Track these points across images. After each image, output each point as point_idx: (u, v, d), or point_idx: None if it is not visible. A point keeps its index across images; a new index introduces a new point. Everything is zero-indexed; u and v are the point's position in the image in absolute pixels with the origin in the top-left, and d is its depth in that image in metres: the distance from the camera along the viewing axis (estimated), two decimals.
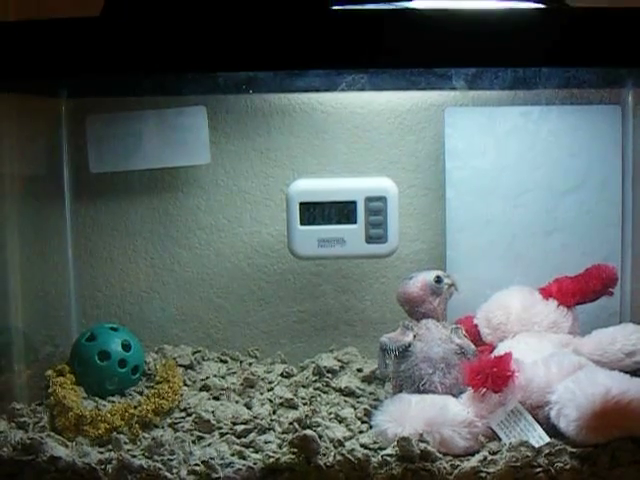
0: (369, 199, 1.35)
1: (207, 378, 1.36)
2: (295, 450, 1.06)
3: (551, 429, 1.08)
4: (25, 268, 1.46)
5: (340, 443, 1.11)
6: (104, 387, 1.29)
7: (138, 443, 1.16)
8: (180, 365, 1.40)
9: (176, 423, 1.22)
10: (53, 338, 1.47)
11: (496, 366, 1.11)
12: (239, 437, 1.17)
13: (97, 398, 1.27)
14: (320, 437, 1.08)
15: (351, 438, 1.15)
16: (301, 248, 1.37)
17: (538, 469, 1.03)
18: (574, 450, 1.04)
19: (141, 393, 1.30)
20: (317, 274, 1.52)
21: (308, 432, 1.07)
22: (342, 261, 1.50)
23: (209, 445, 1.14)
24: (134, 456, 1.09)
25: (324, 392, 1.32)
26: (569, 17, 1.03)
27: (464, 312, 1.36)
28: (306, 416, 1.17)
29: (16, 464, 1.08)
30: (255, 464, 1.06)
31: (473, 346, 1.23)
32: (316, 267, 1.51)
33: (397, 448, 1.05)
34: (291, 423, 1.17)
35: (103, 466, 1.07)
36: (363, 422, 1.21)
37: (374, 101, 1.48)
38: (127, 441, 1.16)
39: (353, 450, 1.06)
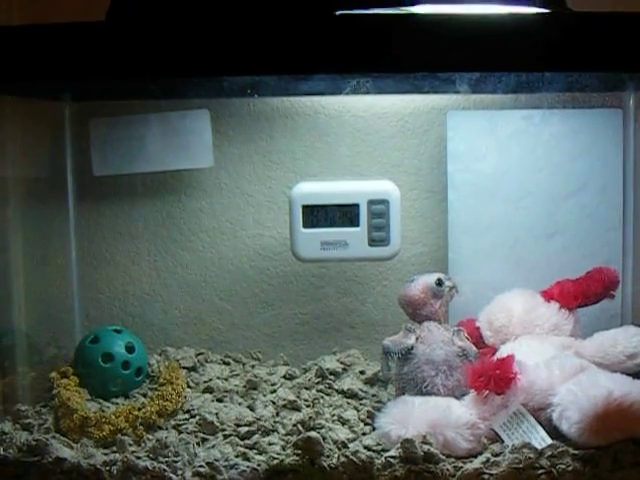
0: (372, 202, 1.35)
1: (210, 380, 1.37)
2: (299, 452, 1.06)
3: (553, 431, 1.08)
4: (29, 270, 1.46)
5: (344, 445, 1.11)
6: (108, 389, 1.29)
7: (142, 445, 1.16)
8: (183, 367, 1.41)
9: (180, 425, 1.23)
10: (57, 340, 1.47)
11: (498, 368, 1.11)
12: (243, 439, 1.17)
13: (101, 400, 1.28)
14: (324, 439, 1.08)
15: (354, 440, 1.15)
16: (304, 251, 1.37)
17: (540, 471, 1.03)
18: (576, 452, 1.04)
19: (145, 395, 1.31)
20: (320, 277, 1.52)
21: (312, 434, 1.07)
22: (344, 264, 1.50)
23: (213, 447, 1.14)
24: (139, 457, 1.09)
25: (327, 394, 1.33)
26: (571, 22, 1.03)
27: (466, 315, 1.36)
28: (309, 418, 1.18)
29: (21, 465, 1.09)
30: (259, 466, 1.06)
31: (475, 348, 1.23)
32: (319, 270, 1.52)
33: (400, 450, 1.05)
34: (295, 425, 1.17)
35: (108, 467, 1.07)
36: (366, 424, 1.21)
37: (376, 104, 1.48)
38: (131, 443, 1.16)
39: (357, 452, 1.06)
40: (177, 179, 1.51)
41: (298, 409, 1.26)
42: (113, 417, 1.20)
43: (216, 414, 1.23)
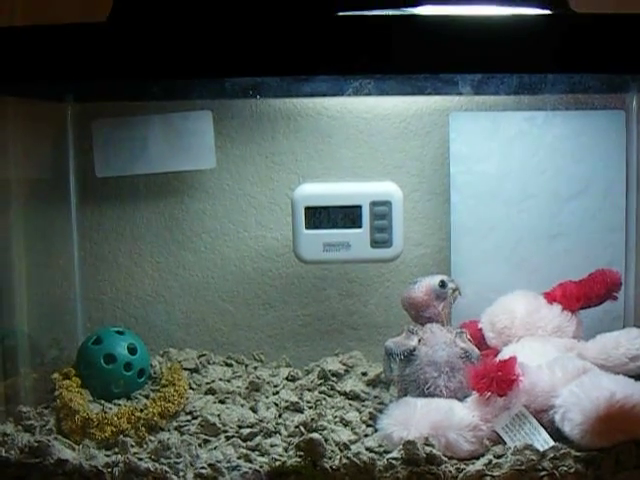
0: (374, 203, 1.35)
1: (212, 382, 1.37)
2: (301, 453, 1.06)
3: (555, 433, 1.08)
4: (31, 271, 1.46)
5: (346, 446, 1.11)
6: (110, 390, 1.29)
7: (144, 446, 1.16)
8: (185, 369, 1.41)
9: (182, 426, 1.23)
10: (59, 341, 1.47)
11: (501, 370, 1.11)
12: (245, 440, 1.17)
13: (103, 401, 1.28)
14: (326, 440, 1.09)
15: (356, 441, 1.15)
16: (306, 252, 1.37)
17: (543, 473, 1.03)
18: (578, 454, 1.04)
19: (147, 396, 1.31)
20: (322, 278, 1.52)
21: (314, 435, 1.07)
22: (347, 265, 1.50)
23: (215, 448, 1.15)
24: (140, 459, 1.09)
25: (329, 396, 1.32)
26: (574, 23, 1.03)
27: (468, 316, 1.36)
28: (312, 419, 1.18)
29: (23, 467, 1.09)
30: (261, 467, 1.06)
31: (477, 350, 1.23)
32: (321, 271, 1.52)
33: (403, 451, 1.05)
34: (297, 426, 1.17)
35: (110, 469, 1.07)
36: (368, 426, 1.21)
37: (379, 106, 1.48)
38: (133, 444, 1.16)
39: (359, 453, 1.06)
40: (179, 180, 1.51)
41: (300, 411, 1.26)
42: (115, 418, 1.20)
43: (218, 415, 1.23)
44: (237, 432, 1.19)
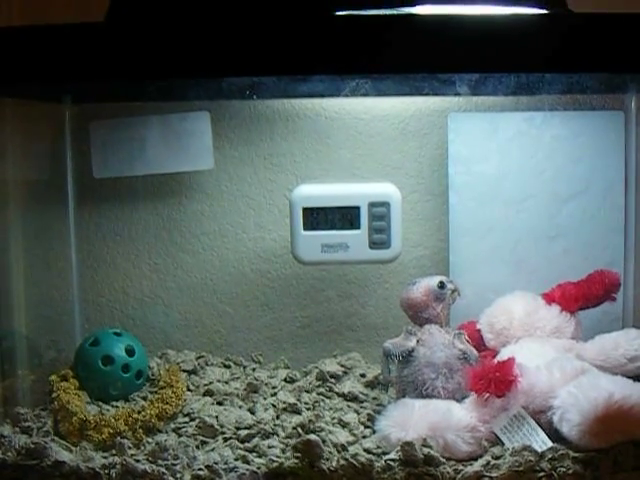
0: (372, 204, 1.35)
1: (210, 383, 1.37)
2: (299, 455, 1.06)
3: (554, 434, 1.08)
4: (29, 273, 1.46)
5: (343, 448, 1.11)
6: (108, 392, 1.29)
7: (142, 448, 1.16)
8: (183, 370, 1.41)
9: (180, 428, 1.23)
10: (57, 343, 1.47)
11: (499, 371, 1.11)
12: (243, 442, 1.17)
13: (101, 403, 1.28)
14: (323, 442, 1.08)
15: (354, 443, 1.15)
16: (304, 253, 1.36)
17: (541, 474, 1.03)
18: (577, 455, 1.04)
19: (145, 398, 1.31)
20: (320, 279, 1.52)
21: (312, 437, 1.07)
22: (345, 266, 1.50)
23: (213, 450, 1.14)
24: (138, 461, 1.09)
25: (327, 397, 1.32)
26: (572, 23, 1.03)
27: (467, 317, 1.36)
28: (309, 421, 1.18)
29: (20, 468, 1.08)
30: (259, 469, 1.06)
31: (475, 351, 1.23)
32: (319, 272, 1.52)
33: (400, 453, 1.05)
34: (294, 428, 1.17)
35: (107, 471, 1.07)
36: (366, 427, 1.21)
37: (377, 107, 1.48)
38: (131, 446, 1.15)
39: (356, 455, 1.06)
40: (177, 181, 1.51)
41: (298, 412, 1.26)
42: (112, 420, 1.20)
43: (216, 417, 1.23)
44: (235, 433, 1.19)
